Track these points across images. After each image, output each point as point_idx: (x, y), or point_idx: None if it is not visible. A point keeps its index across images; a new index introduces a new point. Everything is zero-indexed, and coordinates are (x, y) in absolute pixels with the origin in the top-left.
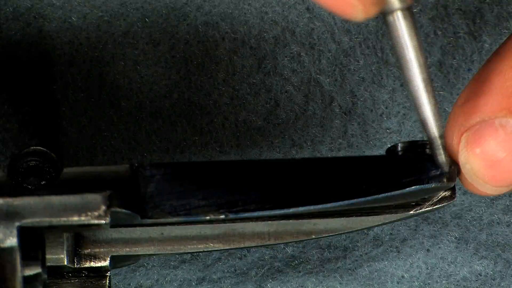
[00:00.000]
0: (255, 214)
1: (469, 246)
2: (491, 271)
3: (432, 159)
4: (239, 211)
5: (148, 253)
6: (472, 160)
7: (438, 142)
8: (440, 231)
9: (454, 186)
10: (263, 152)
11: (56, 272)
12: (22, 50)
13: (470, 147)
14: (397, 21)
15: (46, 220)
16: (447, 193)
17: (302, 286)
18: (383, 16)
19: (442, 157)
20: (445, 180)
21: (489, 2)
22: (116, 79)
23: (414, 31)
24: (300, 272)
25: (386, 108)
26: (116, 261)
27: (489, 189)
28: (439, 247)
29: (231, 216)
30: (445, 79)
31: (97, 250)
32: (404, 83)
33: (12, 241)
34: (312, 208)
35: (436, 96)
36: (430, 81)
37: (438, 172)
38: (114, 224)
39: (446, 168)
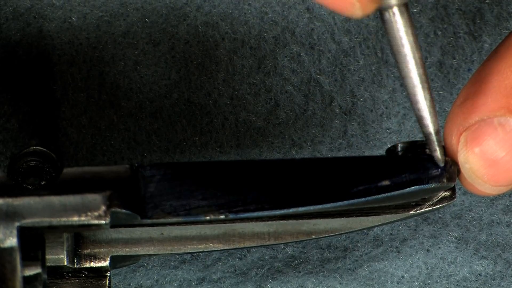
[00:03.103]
0: (255, 214)
1: (469, 246)
2: (491, 271)
3: (432, 159)
4: (239, 211)
5: (148, 253)
6: (472, 160)
7: (434, 139)
8: (440, 231)
9: (454, 186)
10: (263, 152)
11: (56, 272)
12: (22, 50)
13: (469, 146)
14: (393, 17)
15: (46, 220)
16: (447, 193)
17: (302, 286)
18: (380, 13)
19: (437, 154)
20: (445, 180)
21: (489, 2)
22: (116, 79)
23: (411, 27)
24: (300, 272)
25: (386, 108)
26: (116, 261)
27: (489, 188)
28: (439, 247)
29: (231, 216)
30: (445, 79)
31: (97, 250)
32: (401, 79)
33: (12, 241)
34: (312, 208)
35: (432, 92)
36: (426, 78)
37: (438, 172)
38: (114, 224)
39: (442, 164)
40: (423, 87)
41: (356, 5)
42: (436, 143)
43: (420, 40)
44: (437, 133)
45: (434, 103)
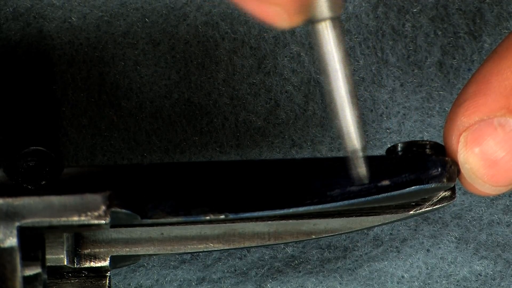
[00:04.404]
0: (255, 214)
1: (469, 246)
2: (491, 271)
3: (432, 159)
4: (239, 211)
5: (148, 253)
6: (471, 160)
7: (359, 156)
8: (440, 231)
9: (454, 186)
10: (263, 152)
11: (56, 272)
12: (22, 50)
13: (469, 146)
14: (326, 31)
15: (46, 220)
16: (447, 193)
17: (302, 286)
18: (311, 25)
19: (363, 171)
20: (445, 180)
21: (489, 2)
22: (116, 79)
23: (342, 42)
24: (300, 272)
25: (386, 108)
26: (116, 261)
27: (489, 188)
28: (439, 247)
29: (231, 216)
30: (445, 79)
31: (97, 250)
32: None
33: (12, 241)
34: (312, 208)
35: (359, 109)
36: (354, 94)
37: (438, 172)
38: (114, 224)
39: (367, 181)
40: (351, 103)
41: (283, 17)
42: (361, 160)
43: (420, 40)
44: (363, 149)
45: (360, 119)
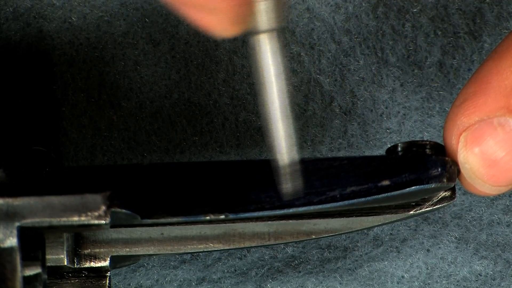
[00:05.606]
0: (255, 214)
1: (469, 246)
2: (491, 271)
3: (432, 159)
4: (239, 211)
5: (148, 253)
6: (471, 160)
7: (287, 170)
8: (440, 231)
9: (454, 186)
10: (263, 152)
11: (56, 272)
12: (22, 50)
13: (469, 146)
14: (264, 43)
15: (46, 220)
16: (447, 193)
17: (302, 286)
18: (250, 36)
19: (287, 186)
20: (445, 180)
21: (489, 2)
22: (116, 79)
23: (279, 55)
24: (300, 272)
25: (386, 108)
26: (116, 261)
27: (489, 188)
28: (439, 247)
29: (231, 216)
30: (445, 79)
31: (97, 250)
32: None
33: (12, 241)
34: (312, 208)
35: (291, 123)
36: (287, 107)
37: (438, 172)
38: (114, 224)
39: (290, 197)
40: (283, 117)
41: (221, 26)
42: (289, 175)
43: (420, 40)
44: (294, 163)
45: (293, 133)
